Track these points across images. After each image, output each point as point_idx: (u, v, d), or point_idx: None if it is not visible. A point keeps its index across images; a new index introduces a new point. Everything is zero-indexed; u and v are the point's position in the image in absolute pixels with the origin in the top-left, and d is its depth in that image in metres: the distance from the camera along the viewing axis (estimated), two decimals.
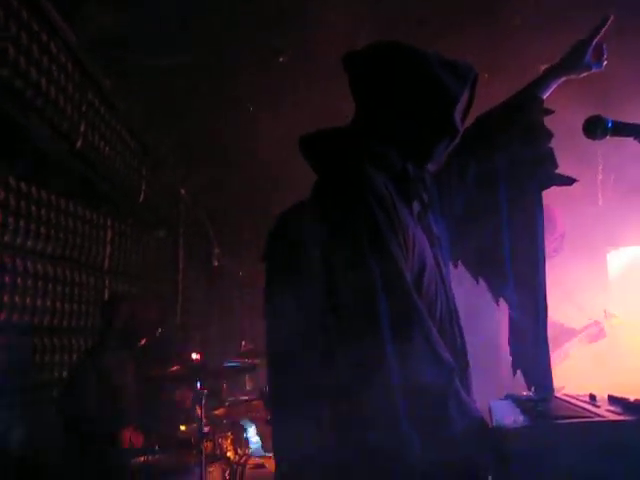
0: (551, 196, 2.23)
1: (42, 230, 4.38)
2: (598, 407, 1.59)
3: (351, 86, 1.87)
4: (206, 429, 3.64)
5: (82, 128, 4.37)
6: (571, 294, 4.72)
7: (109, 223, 5.47)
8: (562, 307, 4.36)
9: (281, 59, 4.51)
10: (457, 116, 1.82)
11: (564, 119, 2.34)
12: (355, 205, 1.61)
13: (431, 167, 1.89)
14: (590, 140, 1.90)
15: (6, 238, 3.99)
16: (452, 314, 1.79)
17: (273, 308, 1.81)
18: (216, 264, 5.73)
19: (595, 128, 1.89)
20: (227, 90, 4.89)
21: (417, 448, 1.46)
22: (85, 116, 4.43)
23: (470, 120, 2.10)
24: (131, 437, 3.69)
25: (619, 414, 1.44)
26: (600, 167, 5.98)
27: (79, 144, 4.32)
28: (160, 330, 4.29)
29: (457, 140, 1.88)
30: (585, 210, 5.40)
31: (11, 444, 3.62)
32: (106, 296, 5.30)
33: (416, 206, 1.82)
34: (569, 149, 2.36)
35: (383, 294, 1.53)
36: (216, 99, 4.98)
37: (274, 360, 1.82)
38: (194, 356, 3.90)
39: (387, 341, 1.50)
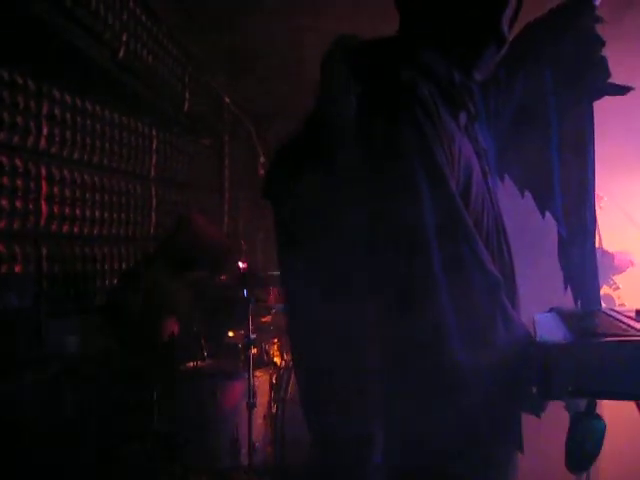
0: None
1: (87, 141, 4.41)
2: None
3: None
4: (253, 336, 3.72)
5: (124, 37, 4.32)
6: (630, 214, 4.56)
7: (154, 132, 5.48)
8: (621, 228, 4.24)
9: None
10: (505, 22, 1.74)
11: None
12: (401, 114, 1.56)
13: (478, 76, 1.82)
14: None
15: (53, 149, 4.04)
16: (499, 228, 1.76)
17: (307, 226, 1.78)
18: (262, 172, 5.72)
19: None
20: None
21: (464, 362, 1.47)
22: (127, 25, 4.37)
23: (518, 28, 2.03)
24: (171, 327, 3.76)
25: None
26: None
27: (121, 53, 4.28)
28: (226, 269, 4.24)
29: (505, 48, 1.80)
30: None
31: (66, 350, 3.78)
32: (153, 204, 5.37)
33: (463, 117, 1.77)
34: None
35: (430, 206, 1.51)
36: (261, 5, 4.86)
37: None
38: (241, 265, 3.93)
39: (434, 253, 1.49)
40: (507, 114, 2.08)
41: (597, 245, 3.83)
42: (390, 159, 1.56)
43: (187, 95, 5.69)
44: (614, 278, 4.07)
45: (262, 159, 5.68)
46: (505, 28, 1.75)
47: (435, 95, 1.63)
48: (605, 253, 3.92)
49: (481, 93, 1.93)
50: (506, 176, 2.18)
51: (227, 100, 6.05)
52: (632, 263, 4.13)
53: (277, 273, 4.14)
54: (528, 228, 2.44)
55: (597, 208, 3.46)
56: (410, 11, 1.78)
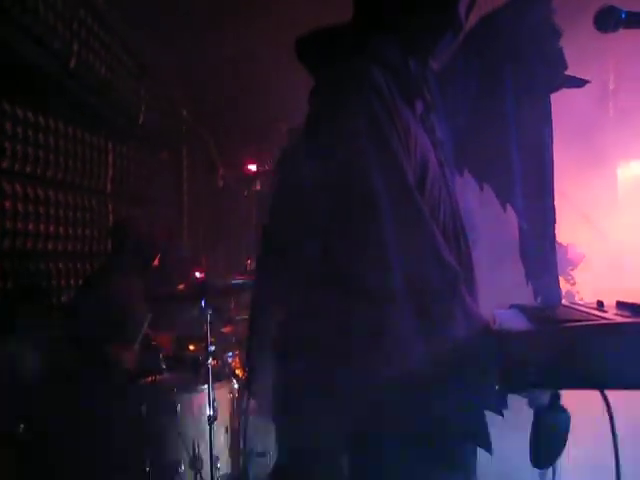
0: (557, 105, 2.13)
1: (40, 154, 4.31)
2: (605, 312, 1.54)
3: None
4: (213, 348, 3.64)
5: (75, 47, 4.23)
6: (579, 209, 4.60)
7: (110, 146, 5.39)
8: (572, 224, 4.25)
9: None
10: (461, 9, 1.72)
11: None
12: (356, 103, 1.54)
13: (434, 64, 1.81)
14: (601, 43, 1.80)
15: (4, 164, 3.93)
16: (456, 219, 1.73)
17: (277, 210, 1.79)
18: (221, 184, 5.66)
19: (607, 19, 1.78)
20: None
21: (420, 350, 1.44)
22: (78, 34, 4.29)
23: (474, 19, 2.01)
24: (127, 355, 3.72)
25: (626, 317, 1.39)
26: (612, 76, 5.78)
27: (72, 63, 4.19)
28: (168, 250, 4.27)
29: (459, 35, 1.78)
30: (596, 121, 5.19)
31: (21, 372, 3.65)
32: (110, 220, 5.27)
33: (419, 106, 1.74)
34: (577, 55, 2.25)
35: (385, 196, 1.47)
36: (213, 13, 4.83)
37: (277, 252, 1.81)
38: (198, 275, 3.87)
39: (389, 242, 1.46)
40: (464, 106, 2.05)
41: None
42: (343, 149, 1.52)
43: (143, 107, 5.61)
44: (571, 272, 4.08)
45: (221, 171, 5.61)
46: (462, 14, 1.73)
47: (390, 83, 1.60)
48: (559, 245, 3.94)
49: (438, 84, 1.90)
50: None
51: (184, 113, 5.98)
52: (583, 256, 4.14)
53: (237, 282, 4.16)
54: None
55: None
56: None
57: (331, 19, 1.75)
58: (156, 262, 4.16)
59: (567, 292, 3.75)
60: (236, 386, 3.88)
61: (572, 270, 4.09)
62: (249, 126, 5.98)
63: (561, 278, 3.86)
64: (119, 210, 5.47)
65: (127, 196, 5.69)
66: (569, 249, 3.98)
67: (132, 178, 5.83)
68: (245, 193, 5.98)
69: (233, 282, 4.06)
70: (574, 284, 4.03)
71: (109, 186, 5.38)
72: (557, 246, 2.17)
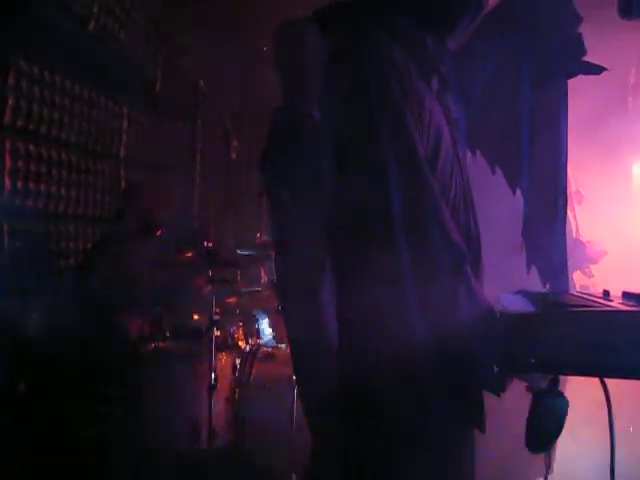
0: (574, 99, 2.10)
1: (55, 116, 4.30)
2: (611, 300, 1.53)
3: None
4: (217, 317, 3.65)
5: (95, 9, 4.21)
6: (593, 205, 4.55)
7: (125, 111, 5.37)
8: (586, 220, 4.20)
9: None
10: None
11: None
12: (370, 76, 1.53)
13: (451, 44, 1.78)
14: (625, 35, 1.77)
15: (19, 123, 3.93)
16: (467, 197, 1.71)
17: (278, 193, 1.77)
18: (234, 157, 5.64)
19: (631, 6, 1.76)
20: None
21: (425, 332, 1.44)
22: None
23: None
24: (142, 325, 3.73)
25: (630, 306, 1.38)
26: (633, 69, 5.69)
27: (91, 26, 4.17)
28: (174, 221, 4.28)
29: (479, 16, 1.76)
30: (612, 117, 5.11)
31: (27, 331, 3.68)
32: (122, 186, 5.27)
33: (435, 83, 1.72)
34: (598, 45, 2.21)
35: (395, 171, 1.47)
36: None
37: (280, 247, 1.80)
38: (206, 244, 3.87)
39: (397, 221, 1.45)
40: (480, 87, 2.04)
41: (574, 235, 3.83)
42: (357, 120, 1.52)
43: (160, 75, 5.59)
44: (589, 267, 4.04)
45: (235, 143, 5.59)
46: None
47: (407, 58, 1.59)
48: (579, 242, 3.89)
49: (454, 63, 1.88)
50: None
51: (201, 83, 5.95)
52: (605, 252, 4.10)
53: (245, 253, 4.16)
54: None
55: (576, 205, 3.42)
56: None
57: None
58: (159, 232, 4.15)
59: (583, 286, 3.72)
60: (238, 358, 3.89)
61: (591, 265, 4.06)
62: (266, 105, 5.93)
63: (579, 272, 3.85)
64: (131, 176, 5.46)
65: (140, 163, 5.67)
66: (588, 246, 3.95)
67: (146, 145, 5.82)
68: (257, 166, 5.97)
69: (241, 253, 4.06)
70: (591, 277, 4.00)
71: (122, 151, 5.37)
72: (577, 243, 2.18)
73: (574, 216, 3.79)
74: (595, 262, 4.02)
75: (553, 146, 2.07)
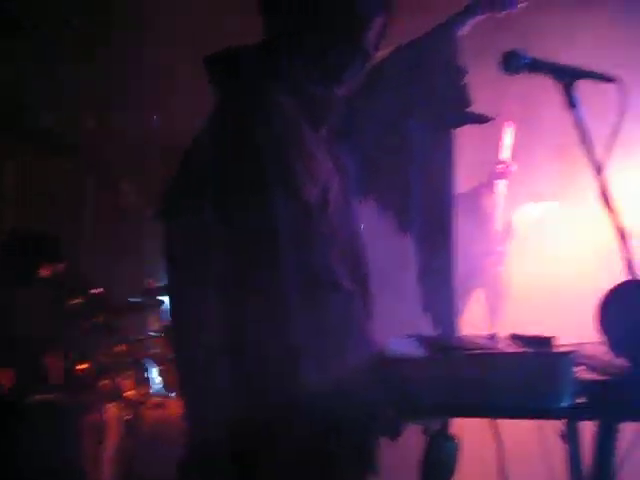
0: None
1: None
2: (498, 343, 1.59)
3: (259, 1, 1.77)
4: (105, 366, 3.53)
5: None
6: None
7: (8, 150, 5.18)
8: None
9: None
10: (370, 39, 1.76)
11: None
12: (259, 122, 1.55)
13: (341, 91, 1.83)
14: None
15: None
16: (357, 244, 1.75)
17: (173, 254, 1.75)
18: (124, 200, 5.53)
19: (512, 62, 1.86)
20: None
21: (316, 379, 1.44)
22: None
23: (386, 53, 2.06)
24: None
25: (516, 348, 1.44)
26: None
27: None
28: (58, 265, 4.12)
29: (367, 65, 1.82)
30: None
31: None
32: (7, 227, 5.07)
33: (324, 131, 1.76)
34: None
35: (284, 218, 1.49)
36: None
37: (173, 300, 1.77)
38: (94, 291, 3.76)
39: (286, 269, 1.47)
40: (370, 135, 2.09)
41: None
42: (245, 168, 1.53)
43: (42, 110, 5.42)
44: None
45: (125, 186, 5.49)
46: (370, 44, 1.76)
47: (296, 106, 1.63)
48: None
49: (344, 111, 1.93)
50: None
51: (91, 120, 5.80)
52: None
53: (135, 300, 4.06)
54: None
55: None
56: (275, 21, 1.76)
57: None
58: (45, 272, 4.00)
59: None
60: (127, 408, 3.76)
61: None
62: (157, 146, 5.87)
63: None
64: (17, 219, 5.26)
65: (26, 205, 5.46)
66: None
67: (32, 186, 5.61)
68: (149, 212, 5.87)
69: (130, 300, 3.97)
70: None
71: (6, 193, 5.17)
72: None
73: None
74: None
75: (441, 195, 2.15)
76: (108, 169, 5.73)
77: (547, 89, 1.87)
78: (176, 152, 1.79)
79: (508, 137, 4.16)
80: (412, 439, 1.51)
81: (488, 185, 4.18)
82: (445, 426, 1.57)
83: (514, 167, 4.18)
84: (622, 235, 1.70)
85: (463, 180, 2.24)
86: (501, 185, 4.15)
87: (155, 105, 5.55)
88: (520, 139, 4.23)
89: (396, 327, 2.11)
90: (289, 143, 1.55)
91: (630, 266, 1.69)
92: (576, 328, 1.75)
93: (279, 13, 1.74)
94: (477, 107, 2.15)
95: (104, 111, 5.77)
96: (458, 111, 2.15)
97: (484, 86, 2.31)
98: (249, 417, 1.51)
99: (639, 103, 1.84)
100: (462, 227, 2.21)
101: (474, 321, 4.12)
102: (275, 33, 1.76)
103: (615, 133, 1.79)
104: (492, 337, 1.75)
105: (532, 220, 5.45)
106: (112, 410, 3.63)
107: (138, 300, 4.08)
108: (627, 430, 1.49)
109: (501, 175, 4.16)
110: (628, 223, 1.70)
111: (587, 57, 2.29)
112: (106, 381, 3.57)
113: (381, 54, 2.02)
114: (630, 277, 1.66)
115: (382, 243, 2.18)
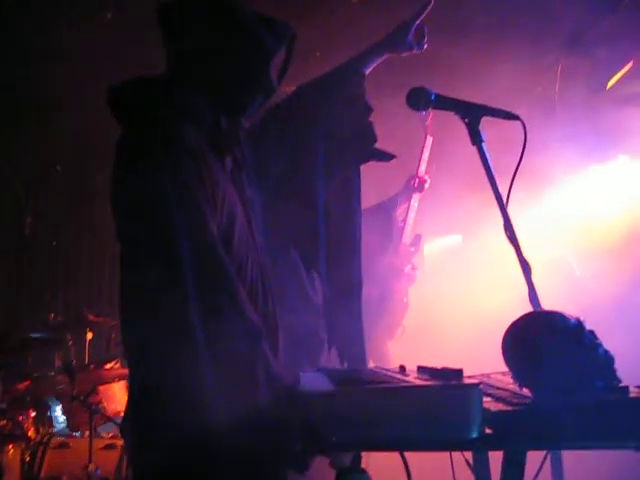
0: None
1: None
2: (407, 376, 1.60)
3: (164, 34, 1.77)
4: (4, 405, 3.37)
5: None
6: None
7: None
8: None
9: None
10: (272, 72, 1.78)
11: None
12: (161, 154, 1.53)
13: (244, 123, 1.85)
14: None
15: None
16: (264, 277, 1.74)
17: None
18: (28, 232, 5.34)
19: (419, 99, 1.91)
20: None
21: (222, 415, 1.42)
22: None
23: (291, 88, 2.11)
24: None
25: (423, 380, 1.45)
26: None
27: None
28: None
29: (271, 96, 1.84)
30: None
31: None
32: None
33: (228, 162, 1.77)
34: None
35: (188, 252, 1.47)
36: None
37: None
38: None
39: (191, 302, 1.45)
40: (275, 169, 2.10)
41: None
42: (146, 202, 1.51)
43: None
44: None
45: (29, 218, 5.30)
46: (273, 77, 1.78)
47: (200, 137, 1.63)
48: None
49: (250, 145, 1.93)
50: None
51: None
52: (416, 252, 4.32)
53: (38, 335, 3.89)
54: None
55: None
56: (179, 54, 1.75)
57: None
58: None
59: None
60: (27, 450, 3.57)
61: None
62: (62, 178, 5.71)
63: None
64: None
65: None
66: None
67: None
68: (54, 243, 5.70)
69: (33, 335, 3.82)
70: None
71: None
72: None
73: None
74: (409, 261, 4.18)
75: (347, 228, 2.17)
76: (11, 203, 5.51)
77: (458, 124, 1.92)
78: None
79: (427, 151, 4.23)
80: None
81: (401, 197, 4.22)
82: (356, 460, 1.56)
83: (428, 182, 4.24)
84: (524, 268, 1.75)
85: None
86: (414, 199, 4.20)
87: None
88: (430, 174, 4.32)
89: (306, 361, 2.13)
90: (193, 173, 1.54)
91: (532, 298, 1.74)
92: (488, 358, 1.79)
93: (183, 43, 1.74)
94: (391, 140, 2.20)
95: None
96: (363, 147, 2.18)
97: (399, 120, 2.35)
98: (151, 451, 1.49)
99: (541, 139, 1.91)
100: (371, 239, 2.23)
101: (387, 352, 4.19)
102: (180, 63, 1.75)
103: (516, 169, 1.86)
104: (401, 370, 1.75)
105: (440, 251, 5.61)
106: (12, 452, 3.45)
107: (41, 335, 3.93)
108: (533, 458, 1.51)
109: (416, 189, 4.21)
110: (530, 256, 1.76)
111: (493, 95, 2.39)
112: (5, 421, 3.39)
113: (283, 91, 2.06)
114: (532, 309, 1.71)
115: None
